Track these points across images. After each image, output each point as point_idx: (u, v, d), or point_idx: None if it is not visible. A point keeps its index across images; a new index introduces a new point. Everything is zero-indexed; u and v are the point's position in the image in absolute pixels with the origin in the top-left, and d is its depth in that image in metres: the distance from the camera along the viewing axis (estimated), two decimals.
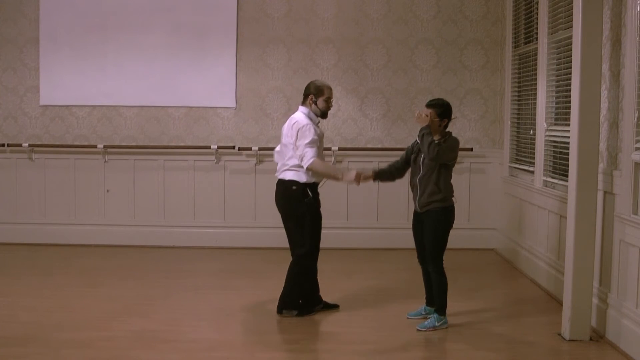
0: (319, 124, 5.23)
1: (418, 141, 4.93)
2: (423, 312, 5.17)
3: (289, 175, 5.14)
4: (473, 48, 7.64)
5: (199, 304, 5.56)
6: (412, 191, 5.05)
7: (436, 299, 4.98)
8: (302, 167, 5.07)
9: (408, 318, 5.14)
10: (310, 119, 5.14)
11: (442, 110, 4.90)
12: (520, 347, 4.68)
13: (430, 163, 4.84)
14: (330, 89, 5.28)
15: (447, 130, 4.98)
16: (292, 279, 5.22)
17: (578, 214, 4.63)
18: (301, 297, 5.27)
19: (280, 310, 5.25)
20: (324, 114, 5.23)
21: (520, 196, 6.87)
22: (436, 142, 4.81)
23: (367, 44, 7.66)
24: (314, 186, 5.19)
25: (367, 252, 7.52)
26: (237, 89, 7.71)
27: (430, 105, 4.94)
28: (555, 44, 6.02)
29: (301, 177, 5.10)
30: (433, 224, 4.92)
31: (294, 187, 5.11)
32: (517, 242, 6.96)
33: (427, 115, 4.85)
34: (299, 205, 5.13)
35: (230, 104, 7.73)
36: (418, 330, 4.91)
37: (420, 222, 5.03)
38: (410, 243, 7.28)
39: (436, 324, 4.94)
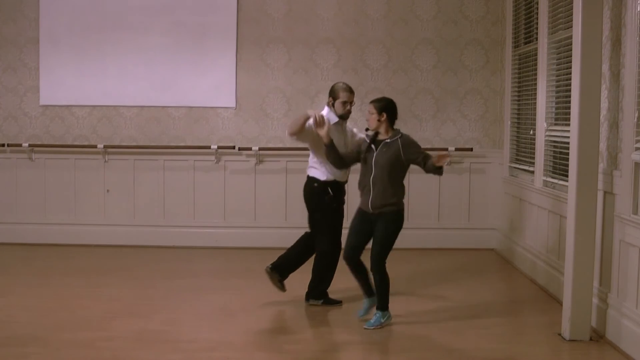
0: (344, 125, 5.39)
1: (367, 140, 4.99)
2: (367, 306, 5.12)
3: (311, 173, 5.39)
4: (473, 48, 7.64)
5: (199, 304, 5.56)
6: (362, 191, 5.00)
7: (379, 297, 4.97)
8: (319, 163, 5.31)
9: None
10: (330, 118, 5.27)
11: (380, 104, 4.92)
12: (520, 347, 4.68)
13: (384, 164, 4.85)
14: (347, 92, 5.34)
15: (395, 127, 4.98)
16: (317, 273, 5.48)
17: (578, 214, 4.63)
18: (327, 287, 5.54)
19: (307, 298, 5.53)
20: (341, 117, 5.35)
21: (520, 196, 6.87)
22: (424, 156, 4.86)
23: (367, 44, 7.66)
24: (337, 185, 5.35)
25: (367, 252, 7.50)
26: (237, 89, 7.71)
27: (371, 101, 5.02)
28: (555, 44, 6.02)
29: (321, 175, 5.33)
30: (386, 227, 4.93)
31: (315, 185, 5.35)
32: (516, 242, 6.96)
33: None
34: (319, 202, 5.35)
35: (230, 104, 7.73)
36: (365, 329, 4.91)
37: (368, 222, 4.99)
38: (409, 243, 7.35)
39: (382, 320, 4.95)
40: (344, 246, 5.10)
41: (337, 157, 5.06)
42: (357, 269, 5.08)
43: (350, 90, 5.35)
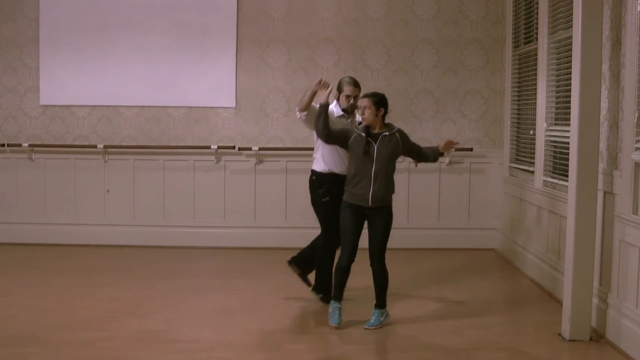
0: (349, 119, 5.36)
1: (359, 132, 4.92)
2: (340, 311, 5.06)
3: (313, 166, 5.41)
4: (473, 48, 7.64)
5: (199, 304, 5.56)
6: (358, 185, 4.90)
7: (380, 295, 5.00)
8: (320, 155, 5.32)
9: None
10: (335, 112, 5.30)
11: (376, 99, 4.89)
12: (521, 347, 4.67)
13: (386, 157, 4.87)
14: (351, 86, 5.32)
15: (387, 122, 4.99)
16: (318, 266, 5.51)
17: (578, 214, 4.63)
18: (327, 283, 5.40)
19: (312, 289, 5.59)
20: (345, 110, 5.34)
21: (520, 196, 6.87)
22: (418, 147, 5.09)
23: (367, 44, 7.66)
24: (335, 178, 5.26)
25: (366, 252, 7.50)
26: (237, 89, 7.71)
27: (365, 95, 4.95)
28: (555, 44, 6.02)
29: (318, 167, 5.36)
30: (385, 221, 4.97)
31: (314, 177, 5.37)
32: (517, 242, 6.96)
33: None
34: (314, 194, 5.38)
35: (230, 104, 7.73)
36: (365, 329, 4.92)
37: (362, 218, 4.97)
38: (409, 243, 7.38)
39: (381, 319, 4.98)
40: (349, 247, 4.98)
41: (325, 124, 4.88)
42: (348, 271, 5.07)
43: (354, 84, 5.34)
